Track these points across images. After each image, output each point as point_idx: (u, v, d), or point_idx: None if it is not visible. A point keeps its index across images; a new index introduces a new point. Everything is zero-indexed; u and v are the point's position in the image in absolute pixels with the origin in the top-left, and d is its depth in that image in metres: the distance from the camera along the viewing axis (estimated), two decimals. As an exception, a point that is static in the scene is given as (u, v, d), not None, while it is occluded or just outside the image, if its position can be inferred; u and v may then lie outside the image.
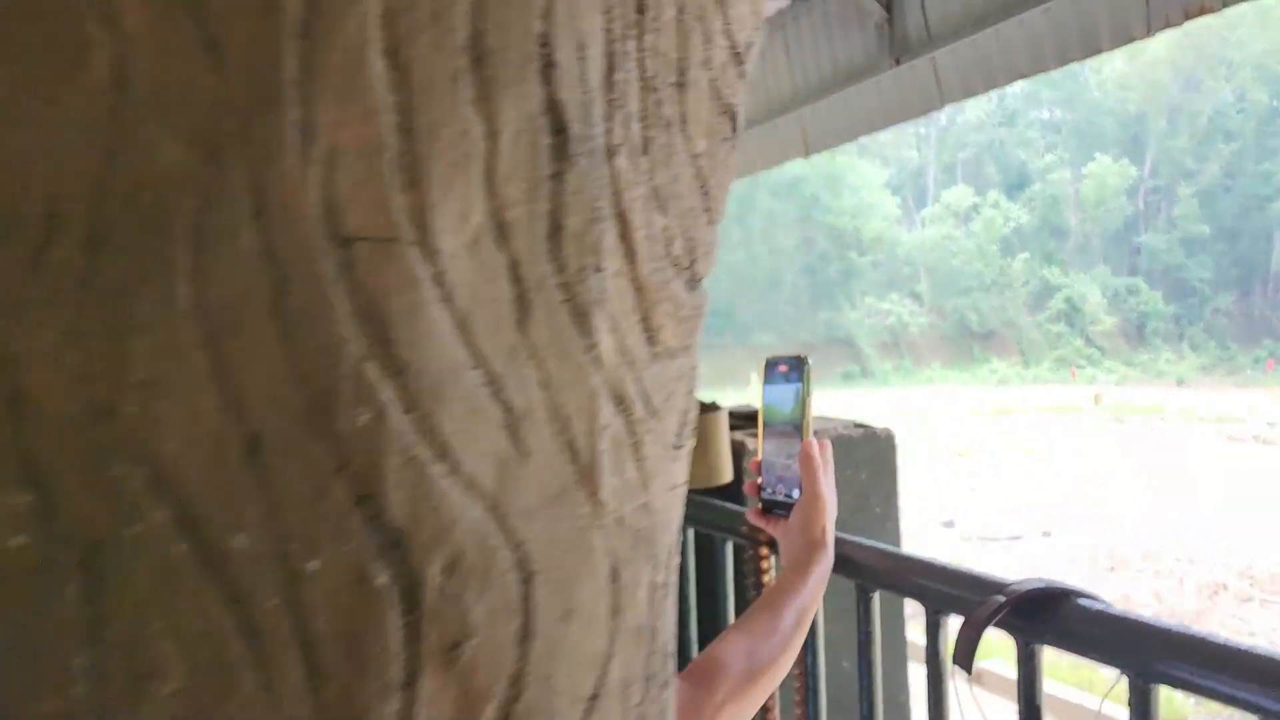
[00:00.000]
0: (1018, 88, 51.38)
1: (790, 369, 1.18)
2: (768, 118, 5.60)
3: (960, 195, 56.73)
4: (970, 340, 53.24)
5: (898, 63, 4.56)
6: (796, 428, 1.16)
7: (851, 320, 54.93)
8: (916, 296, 56.05)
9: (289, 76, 0.37)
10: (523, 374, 0.44)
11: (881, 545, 1.30)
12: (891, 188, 60.05)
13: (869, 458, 1.89)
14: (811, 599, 1.13)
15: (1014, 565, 10.25)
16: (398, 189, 0.39)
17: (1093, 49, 3.74)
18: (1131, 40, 3.62)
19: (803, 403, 1.14)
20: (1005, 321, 53.52)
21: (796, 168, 53.83)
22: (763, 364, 1.21)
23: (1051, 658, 1.21)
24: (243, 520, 0.37)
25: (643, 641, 0.51)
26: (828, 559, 1.16)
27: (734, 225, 59.47)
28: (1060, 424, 25.33)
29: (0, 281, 0.34)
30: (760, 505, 1.22)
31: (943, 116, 56.50)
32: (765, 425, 1.21)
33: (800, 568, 1.14)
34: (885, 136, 61.42)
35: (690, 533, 1.69)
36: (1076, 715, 5.35)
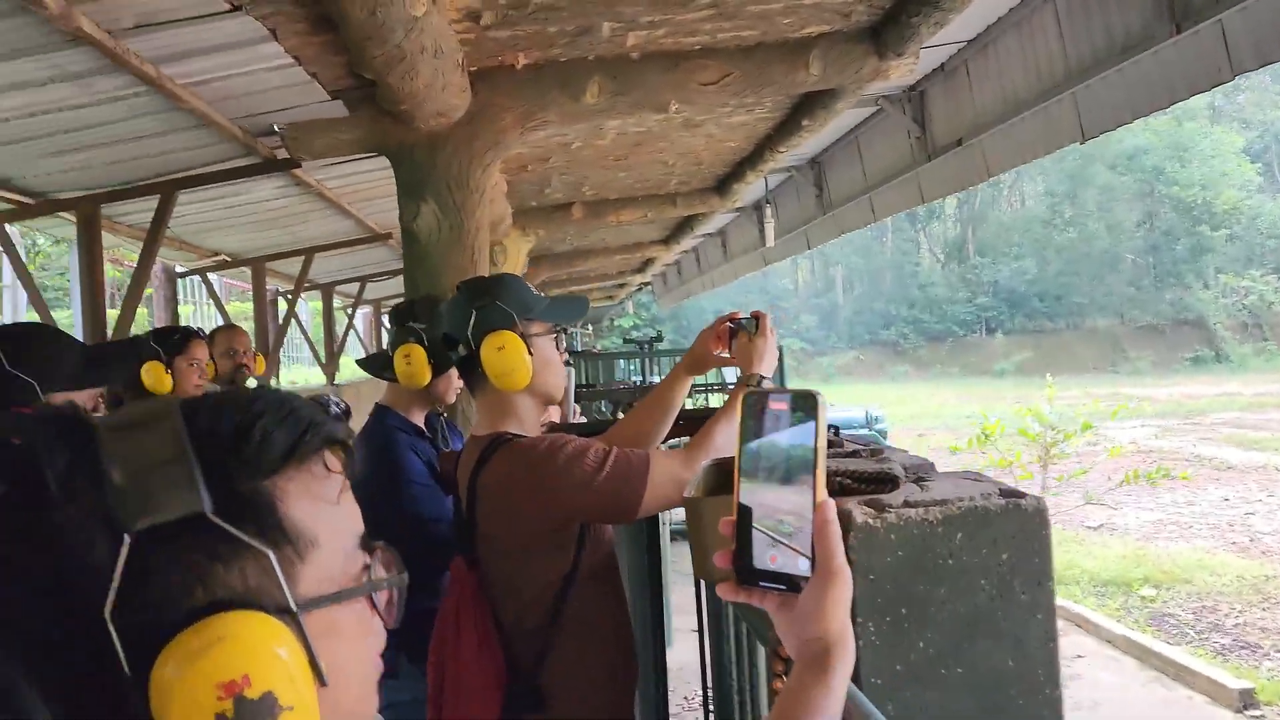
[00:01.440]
0: None
1: (795, 407, 0.92)
2: (1038, 100, 5.10)
3: (1336, 157, 50.06)
4: (1349, 320, 47.08)
5: (1179, 30, 3.97)
6: (804, 479, 0.91)
7: (1203, 300, 49.98)
8: (1281, 272, 50.08)
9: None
10: None
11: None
12: (1251, 154, 53.93)
13: (1013, 534, 1.57)
14: (838, 710, 0.92)
15: None
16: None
17: None
18: None
19: (816, 449, 0.90)
20: (1393, 298, 46.84)
21: (1136, 138, 49.56)
22: (741, 398, 0.94)
23: None
24: None
25: None
26: (851, 656, 0.95)
27: (1065, 202, 55.76)
28: None
29: None
30: (737, 577, 0.97)
31: (1314, 70, 49.90)
32: (748, 473, 0.93)
33: (820, 668, 0.93)
34: (1244, 98, 55.18)
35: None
36: None
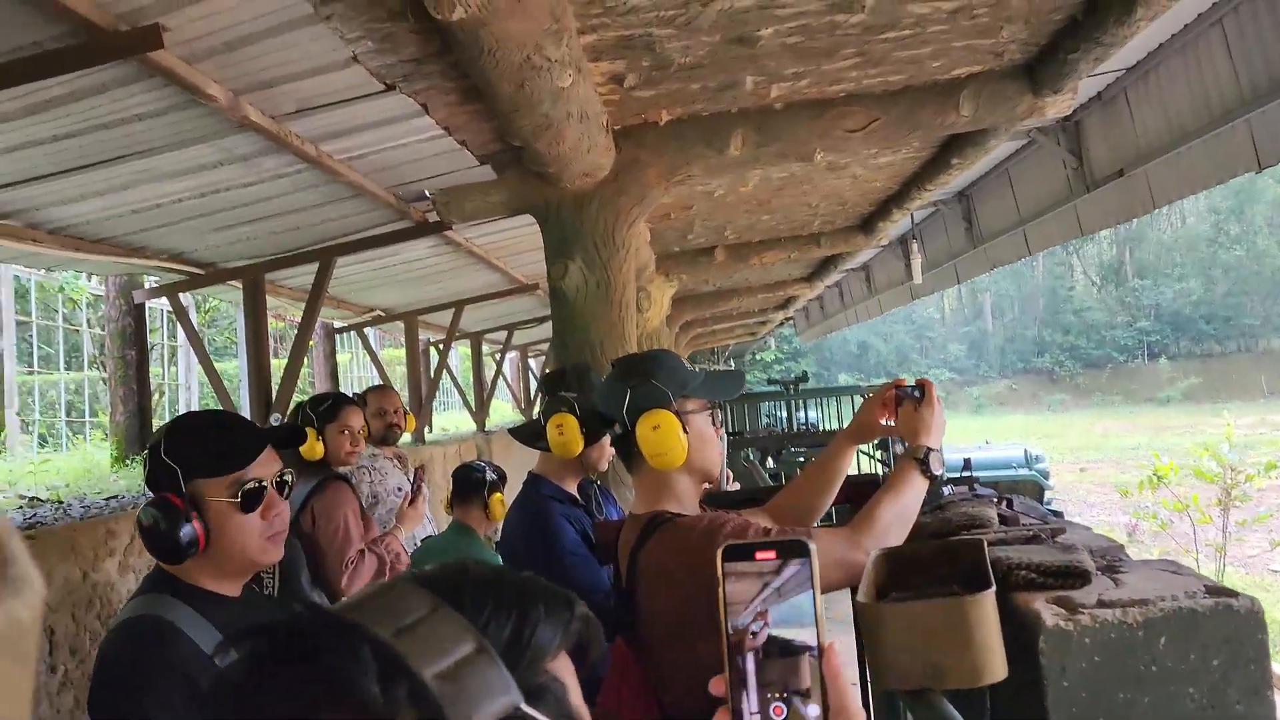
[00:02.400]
0: None
1: (784, 554, 0.90)
2: (1207, 128, 4.83)
3: None
4: None
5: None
6: (806, 628, 0.90)
7: (1394, 319, 46.66)
8: None
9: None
10: None
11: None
12: None
13: (1224, 638, 1.44)
14: None
15: None
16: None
17: None
18: None
19: (814, 596, 0.90)
20: None
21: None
22: (719, 555, 0.92)
23: None
24: None
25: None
26: None
27: (1230, 219, 52.98)
28: None
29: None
30: None
31: None
32: (738, 630, 0.92)
33: None
34: None
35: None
36: None
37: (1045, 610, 1.50)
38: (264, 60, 2.79)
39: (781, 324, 22.58)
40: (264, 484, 1.80)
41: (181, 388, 12.10)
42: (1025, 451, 13.03)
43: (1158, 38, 4.99)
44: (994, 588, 1.44)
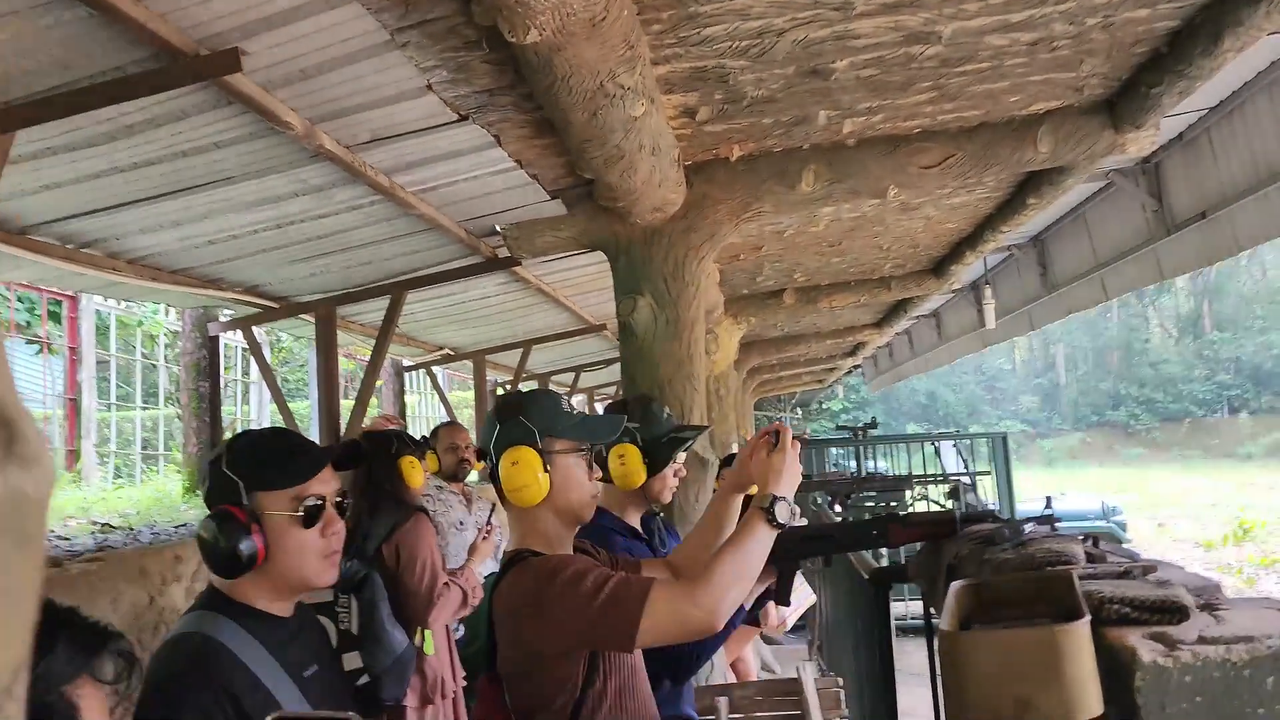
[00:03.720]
0: None
1: None
2: (1257, 186, 4.74)
3: None
4: None
5: None
6: None
7: None
8: None
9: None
10: None
11: None
12: None
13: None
14: None
15: None
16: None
17: None
18: None
19: None
20: None
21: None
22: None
23: None
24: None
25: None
26: None
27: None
28: None
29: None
30: None
31: None
32: None
33: None
34: None
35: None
36: None
37: (1142, 646, 1.40)
38: (340, 89, 2.83)
39: (849, 372, 22.36)
40: (324, 501, 1.79)
41: (254, 424, 12.30)
42: (1102, 503, 12.69)
43: (1242, 75, 4.86)
44: (1088, 617, 1.36)
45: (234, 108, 2.78)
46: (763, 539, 1.93)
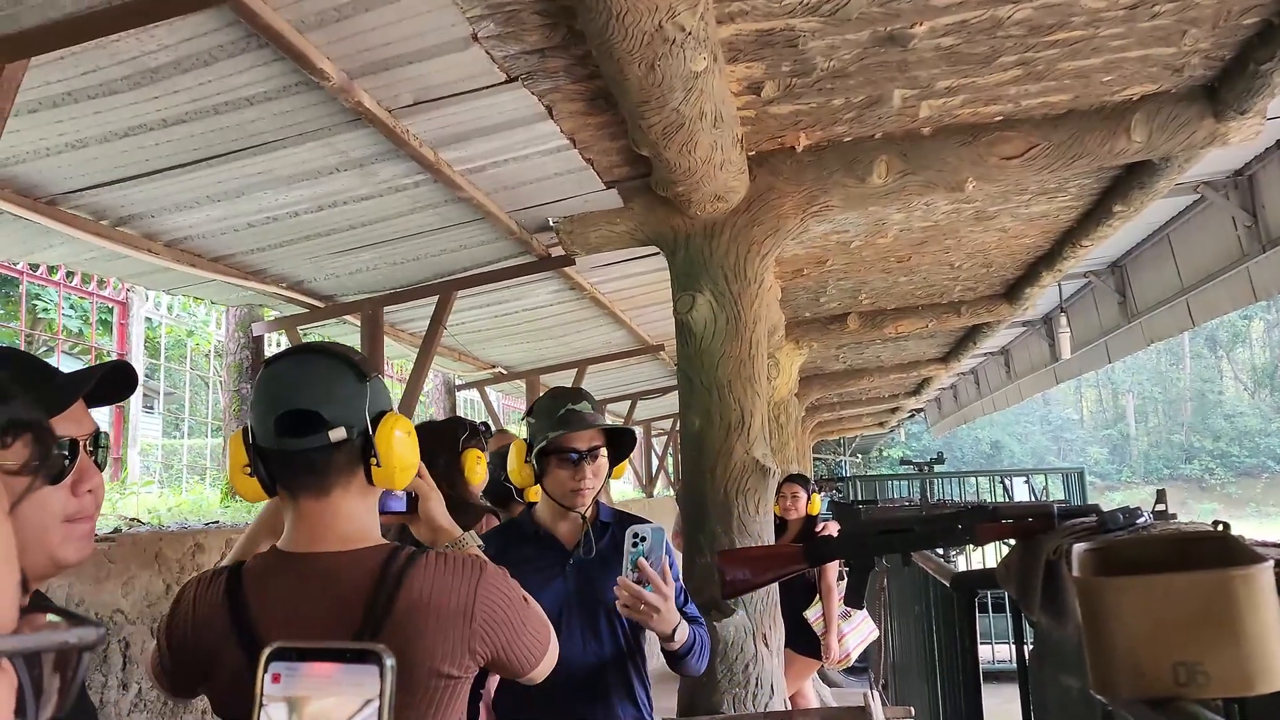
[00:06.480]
0: None
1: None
2: None
3: None
4: None
5: None
6: None
7: None
8: None
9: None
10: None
11: None
12: None
13: None
14: None
15: None
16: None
17: None
18: None
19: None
20: None
21: None
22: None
23: None
24: None
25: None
26: None
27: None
28: None
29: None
30: None
31: None
32: None
33: None
34: None
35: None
36: None
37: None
38: (377, 35, 2.62)
39: (911, 415, 21.85)
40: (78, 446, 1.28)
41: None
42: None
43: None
44: (1271, 562, 1.06)
45: (265, 52, 2.59)
46: None
